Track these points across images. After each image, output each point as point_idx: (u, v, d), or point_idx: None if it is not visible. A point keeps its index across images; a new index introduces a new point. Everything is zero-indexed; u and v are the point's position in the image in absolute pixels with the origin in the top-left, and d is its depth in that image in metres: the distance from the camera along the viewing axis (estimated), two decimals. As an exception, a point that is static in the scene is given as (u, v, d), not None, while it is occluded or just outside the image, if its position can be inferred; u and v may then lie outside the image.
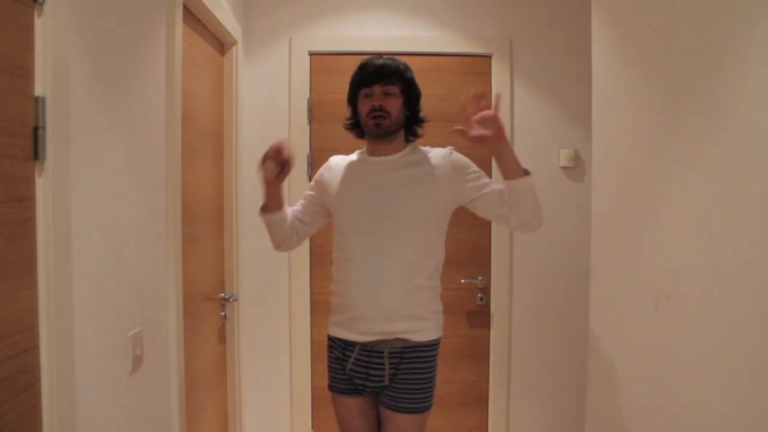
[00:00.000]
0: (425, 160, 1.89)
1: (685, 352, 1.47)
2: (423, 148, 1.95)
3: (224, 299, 2.52)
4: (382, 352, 1.84)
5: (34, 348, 1.13)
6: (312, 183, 2.04)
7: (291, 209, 2.01)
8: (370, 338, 1.83)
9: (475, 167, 1.90)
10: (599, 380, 1.99)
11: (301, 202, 2.05)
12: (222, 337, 2.56)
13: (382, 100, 1.83)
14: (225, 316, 2.53)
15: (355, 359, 1.88)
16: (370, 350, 1.85)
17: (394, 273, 1.80)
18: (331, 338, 1.96)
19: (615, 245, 1.90)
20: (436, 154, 1.91)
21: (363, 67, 1.88)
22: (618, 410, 1.84)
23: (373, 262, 1.81)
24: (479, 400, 2.99)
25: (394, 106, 1.85)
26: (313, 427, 2.94)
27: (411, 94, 1.90)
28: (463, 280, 2.91)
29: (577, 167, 2.96)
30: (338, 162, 1.99)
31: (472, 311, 2.97)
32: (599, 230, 2.01)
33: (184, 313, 1.95)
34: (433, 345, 1.87)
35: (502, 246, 2.93)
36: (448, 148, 1.93)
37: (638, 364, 1.71)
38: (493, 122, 1.68)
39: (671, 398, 1.53)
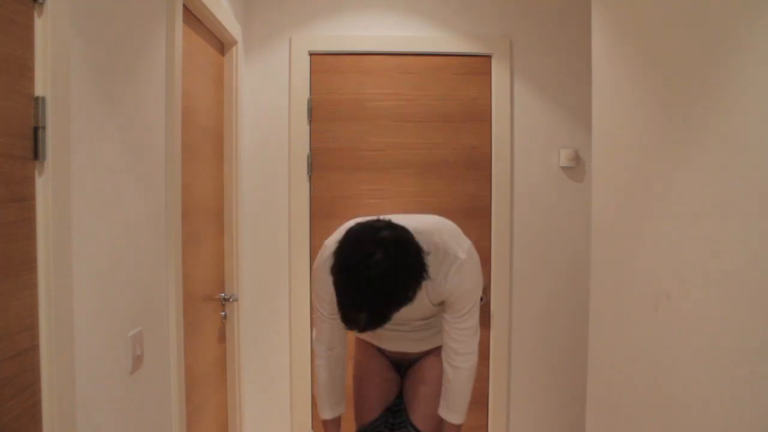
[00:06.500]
0: (434, 274, 1.71)
1: (685, 352, 1.47)
2: (437, 246, 1.73)
3: (224, 299, 2.52)
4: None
5: (34, 348, 1.13)
6: (319, 303, 1.79)
7: (327, 356, 1.84)
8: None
9: (472, 302, 1.87)
10: (599, 380, 1.99)
11: (325, 334, 1.81)
12: (222, 336, 2.56)
13: None
14: (225, 316, 2.53)
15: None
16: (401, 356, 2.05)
17: (417, 334, 1.98)
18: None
19: (615, 245, 1.90)
20: (447, 262, 1.74)
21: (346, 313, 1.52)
22: (618, 410, 1.84)
23: (397, 343, 1.99)
24: (479, 400, 2.99)
25: None
26: (313, 427, 2.94)
27: None
28: (463, 280, 2.91)
29: (577, 167, 2.96)
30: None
31: (472, 311, 2.96)
32: (599, 230, 2.01)
33: (184, 313, 1.95)
34: None
35: (501, 247, 2.93)
36: (461, 257, 1.77)
37: (638, 364, 1.71)
38: None
39: (671, 398, 1.53)
